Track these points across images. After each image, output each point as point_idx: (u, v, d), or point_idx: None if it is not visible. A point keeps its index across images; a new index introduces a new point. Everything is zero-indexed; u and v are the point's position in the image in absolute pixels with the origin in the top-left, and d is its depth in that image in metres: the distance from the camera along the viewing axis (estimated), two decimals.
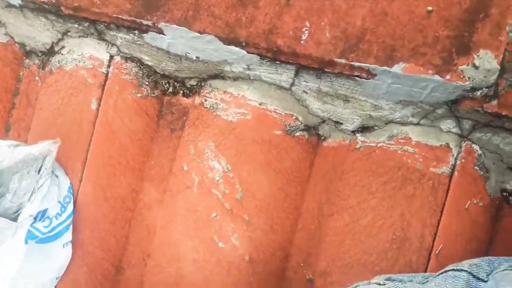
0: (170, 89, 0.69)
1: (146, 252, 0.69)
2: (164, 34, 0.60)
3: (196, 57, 0.62)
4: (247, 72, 0.62)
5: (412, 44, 0.50)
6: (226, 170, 0.63)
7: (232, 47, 0.57)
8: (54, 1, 0.61)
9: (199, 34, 0.57)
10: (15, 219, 0.68)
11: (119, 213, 0.70)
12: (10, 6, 0.67)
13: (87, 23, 0.64)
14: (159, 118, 0.71)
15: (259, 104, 0.63)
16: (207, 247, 0.62)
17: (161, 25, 0.58)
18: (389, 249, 0.54)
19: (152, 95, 0.69)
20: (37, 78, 0.73)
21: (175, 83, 0.69)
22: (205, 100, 0.66)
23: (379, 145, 0.56)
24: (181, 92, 0.69)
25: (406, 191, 0.52)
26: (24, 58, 0.74)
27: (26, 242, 0.64)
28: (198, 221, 0.64)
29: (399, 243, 0.53)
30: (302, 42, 0.54)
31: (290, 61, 0.56)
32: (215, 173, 0.64)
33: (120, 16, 0.59)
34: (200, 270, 0.63)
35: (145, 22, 0.59)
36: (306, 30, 0.54)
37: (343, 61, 0.53)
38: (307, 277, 0.61)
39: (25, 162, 0.66)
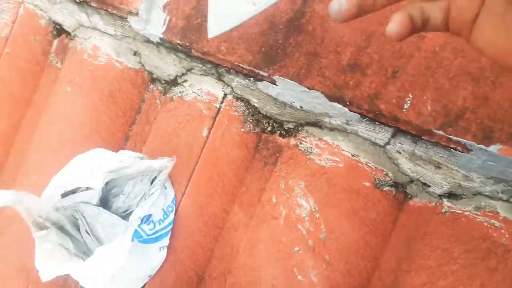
0: (269, 128, 0.78)
1: (228, 268, 0.78)
2: (276, 85, 0.69)
3: (300, 107, 0.71)
4: (345, 126, 0.69)
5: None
6: (313, 210, 0.71)
7: (336, 104, 0.65)
8: (187, 44, 0.73)
9: (307, 90, 0.66)
10: (124, 218, 0.81)
11: (210, 228, 0.80)
12: (148, 41, 0.80)
13: (211, 65, 0.75)
14: (256, 151, 0.80)
15: (352, 155, 0.70)
16: (287, 278, 0.69)
17: (276, 77, 0.67)
18: None
19: (253, 131, 0.79)
20: (157, 101, 0.86)
21: (274, 124, 0.78)
22: (300, 143, 0.74)
23: (465, 213, 0.60)
24: (279, 132, 0.78)
25: (489, 263, 0.56)
26: (150, 83, 0.87)
27: (132, 240, 0.76)
28: (281, 251, 0.71)
29: None
30: (403, 110, 0.60)
31: (389, 124, 0.63)
32: (302, 210, 0.72)
33: (241, 65, 0.70)
34: None
35: (261, 73, 0.68)
36: (409, 100, 0.60)
37: (441, 132, 0.58)
38: None
39: (142, 172, 0.79)
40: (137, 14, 0.73)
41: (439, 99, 0.58)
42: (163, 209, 0.80)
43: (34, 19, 0.92)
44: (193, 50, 0.73)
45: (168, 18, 0.73)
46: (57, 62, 0.93)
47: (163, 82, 0.86)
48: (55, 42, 0.94)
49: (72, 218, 0.80)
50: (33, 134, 0.93)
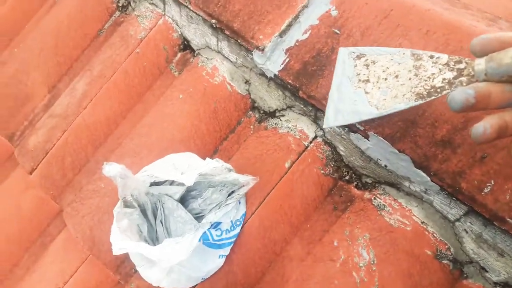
0: (347, 177, 0.89)
1: None
2: (368, 140, 0.80)
3: (384, 165, 0.81)
4: (422, 193, 0.78)
5: None
6: (372, 262, 0.78)
7: (420, 172, 0.74)
8: (297, 85, 0.87)
9: (397, 152, 0.76)
10: (195, 219, 0.94)
11: (267, 252, 0.89)
12: (262, 75, 0.95)
13: (311, 108, 0.88)
14: (328, 195, 0.90)
15: (421, 222, 0.78)
16: None
17: (370, 133, 0.78)
18: None
19: (331, 175, 0.89)
20: (251, 126, 1.00)
21: (353, 175, 0.88)
22: (375, 198, 0.83)
23: None
24: (355, 183, 0.88)
25: None
26: (250, 110, 1.02)
27: (199, 240, 0.88)
28: None
29: None
30: (482, 193, 0.68)
31: (465, 202, 0.70)
32: (360, 260, 0.79)
33: None
34: None
35: (358, 126, 0.80)
36: (490, 186, 0.68)
37: None
38: None
39: (225, 183, 0.91)
40: (262, 50, 0.89)
41: None
42: (232, 221, 0.91)
43: (168, 31, 1.12)
44: (300, 92, 0.87)
45: (287, 60, 0.88)
46: (175, 71, 1.12)
47: (262, 111, 1.00)
48: (179, 54, 1.13)
49: (154, 206, 0.94)
50: (135, 125, 1.10)
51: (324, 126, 0.62)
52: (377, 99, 0.58)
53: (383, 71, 0.61)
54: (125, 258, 1.02)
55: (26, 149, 1.21)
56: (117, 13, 1.19)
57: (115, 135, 1.15)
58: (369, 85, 0.61)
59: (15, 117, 1.24)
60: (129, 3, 1.18)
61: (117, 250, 0.86)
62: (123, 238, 0.89)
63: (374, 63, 0.63)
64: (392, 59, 0.61)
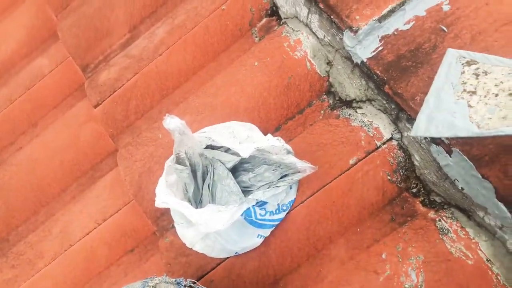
0: (414, 190, 0.83)
1: None
2: (450, 156, 0.73)
3: (461, 188, 0.74)
4: (496, 229, 0.71)
5: None
6: (419, 286, 0.74)
7: (502, 205, 0.67)
8: (384, 78, 0.81)
9: (480, 177, 0.69)
10: (242, 192, 0.93)
11: (308, 246, 0.87)
12: (348, 58, 0.91)
13: (394, 106, 0.83)
14: (389, 203, 0.85)
15: (486, 260, 0.71)
16: None
17: (455, 149, 0.72)
18: None
19: (398, 184, 0.84)
20: (322, 112, 0.97)
21: (422, 189, 0.83)
22: (439, 220, 0.78)
23: None
24: (422, 198, 0.82)
25: None
26: (324, 93, 0.98)
27: (242, 214, 0.87)
28: None
29: None
30: None
31: None
32: (407, 280, 0.75)
33: None
34: None
35: (443, 139, 0.73)
36: None
37: None
38: None
39: (280, 164, 0.89)
40: (355, 32, 0.84)
41: None
42: (278, 204, 0.90)
43: None
44: (386, 86, 0.81)
45: (380, 48, 0.83)
46: (256, 37, 1.10)
47: (337, 98, 0.96)
48: (264, 19, 1.10)
49: (204, 169, 0.95)
50: (205, 83, 1.11)
51: (412, 134, 0.57)
52: (481, 116, 0.52)
53: (495, 85, 0.54)
54: (166, 211, 1.05)
55: (96, 83, 1.26)
56: None
57: (182, 89, 1.17)
58: (475, 98, 0.55)
59: (92, 50, 1.30)
60: None
61: (159, 203, 0.88)
62: (168, 193, 0.90)
63: (486, 74, 0.56)
64: (510, 73, 0.54)
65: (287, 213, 0.89)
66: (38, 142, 1.40)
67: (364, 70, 0.86)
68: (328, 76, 0.97)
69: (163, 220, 1.05)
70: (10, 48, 1.57)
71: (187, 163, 0.91)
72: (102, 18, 1.29)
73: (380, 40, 0.83)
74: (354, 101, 0.92)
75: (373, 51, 0.83)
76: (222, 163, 0.94)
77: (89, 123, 1.30)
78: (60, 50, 1.40)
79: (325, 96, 0.98)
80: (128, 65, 1.20)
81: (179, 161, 0.92)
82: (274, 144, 0.86)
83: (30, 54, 1.52)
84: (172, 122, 0.84)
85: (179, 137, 0.87)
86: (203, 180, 0.95)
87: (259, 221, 0.88)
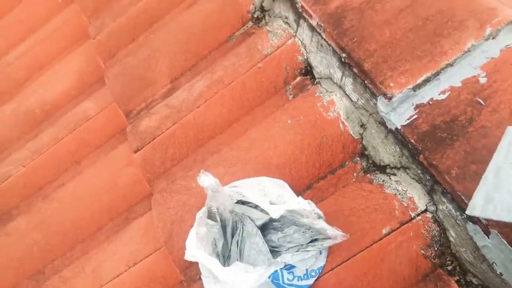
0: (449, 268, 0.79)
1: None
2: (488, 237, 0.70)
3: (500, 273, 0.70)
4: None
5: None
6: None
7: None
8: (419, 148, 0.79)
9: None
10: (271, 252, 0.92)
11: None
12: (381, 124, 0.90)
13: (429, 177, 0.81)
14: (422, 279, 0.81)
15: None
16: None
17: (493, 230, 0.68)
18: None
19: (432, 260, 0.81)
20: (355, 174, 0.96)
21: (457, 267, 0.79)
22: None
23: None
24: (457, 278, 0.78)
25: None
26: (357, 156, 0.97)
27: (269, 277, 0.86)
28: None
29: None
30: None
31: None
32: None
33: (463, 197, 0.73)
34: None
35: (481, 218, 0.70)
36: None
37: None
38: None
39: (311, 228, 0.88)
40: (389, 99, 0.83)
41: None
42: (307, 269, 0.88)
43: (295, 53, 1.12)
44: (421, 156, 0.79)
45: (415, 116, 0.82)
46: (290, 94, 1.12)
47: (371, 162, 0.95)
48: (298, 78, 1.12)
49: (234, 224, 0.95)
50: (239, 136, 1.13)
51: (467, 212, 0.54)
52: None
53: None
54: (194, 262, 1.06)
55: (137, 129, 1.32)
56: (250, 23, 1.23)
57: (217, 140, 1.19)
58: None
59: (136, 98, 1.36)
60: (264, 16, 1.21)
61: (189, 256, 0.89)
62: (198, 247, 0.92)
63: None
64: None
65: (316, 280, 0.87)
66: (80, 180, 1.46)
67: (398, 137, 0.85)
68: (362, 138, 0.96)
69: (191, 270, 1.06)
70: (60, 90, 1.68)
71: (218, 219, 0.92)
72: (146, 68, 1.36)
73: (414, 108, 0.82)
74: (388, 166, 0.91)
75: (408, 119, 0.82)
76: (251, 220, 0.95)
77: (128, 167, 1.35)
78: (106, 95, 1.48)
79: (358, 158, 0.97)
80: (168, 114, 1.25)
81: (210, 215, 0.93)
82: (305, 207, 0.85)
83: (78, 97, 1.62)
84: (206, 180, 0.86)
85: (211, 194, 0.88)
86: (232, 236, 0.96)
87: (286, 286, 0.87)
